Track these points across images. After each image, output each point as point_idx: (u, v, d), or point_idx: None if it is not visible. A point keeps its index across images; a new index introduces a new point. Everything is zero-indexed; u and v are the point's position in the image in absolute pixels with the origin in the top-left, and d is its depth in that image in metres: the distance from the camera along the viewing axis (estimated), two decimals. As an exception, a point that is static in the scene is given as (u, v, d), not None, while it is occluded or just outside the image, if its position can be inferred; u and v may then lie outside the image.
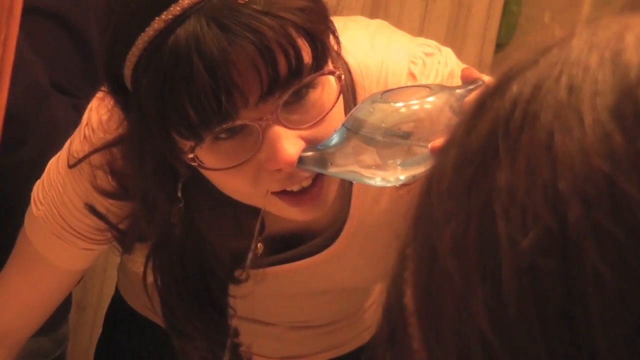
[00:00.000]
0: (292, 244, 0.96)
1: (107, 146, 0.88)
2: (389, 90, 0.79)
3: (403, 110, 0.76)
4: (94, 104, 0.90)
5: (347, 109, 0.83)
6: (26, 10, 1.06)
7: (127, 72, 0.76)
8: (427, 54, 0.91)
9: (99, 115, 0.88)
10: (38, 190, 0.93)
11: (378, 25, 0.96)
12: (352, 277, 0.97)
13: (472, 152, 0.33)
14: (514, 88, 0.32)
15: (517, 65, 0.33)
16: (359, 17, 1.00)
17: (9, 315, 0.97)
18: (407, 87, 0.85)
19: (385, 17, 1.72)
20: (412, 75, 0.89)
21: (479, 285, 0.31)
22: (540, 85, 0.31)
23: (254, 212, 0.85)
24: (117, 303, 1.14)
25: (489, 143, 0.32)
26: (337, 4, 1.71)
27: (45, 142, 1.02)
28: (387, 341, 0.36)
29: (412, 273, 0.35)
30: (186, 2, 0.73)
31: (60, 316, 1.25)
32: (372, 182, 0.77)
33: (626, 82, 0.29)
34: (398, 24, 1.52)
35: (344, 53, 0.86)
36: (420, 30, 1.72)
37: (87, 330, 1.32)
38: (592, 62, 0.30)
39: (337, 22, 0.86)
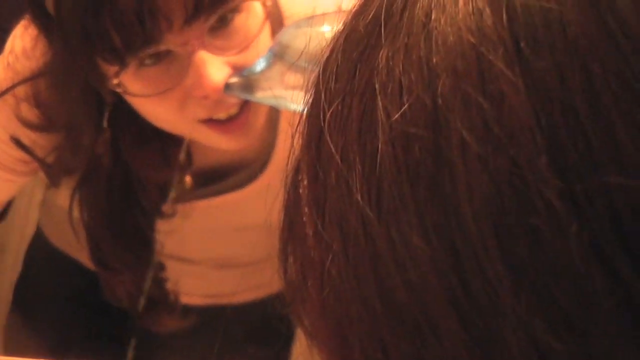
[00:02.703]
0: (220, 178, 0.96)
1: (32, 77, 0.86)
2: (314, 16, 0.79)
3: (328, 35, 0.76)
4: (17, 31, 0.88)
5: (274, 37, 0.83)
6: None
7: (49, -5, 0.75)
8: None
9: (24, 42, 0.87)
10: None
11: None
12: (276, 213, 0.98)
13: (358, 36, 0.34)
14: None
15: None
16: None
17: None
18: (332, 12, 0.85)
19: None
20: (340, 7, 0.89)
21: (358, 160, 0.32)
22: None
23: (182, 143, 0.85)
24: (39, 241, 1.13)
25: (374, 26, 0.33)
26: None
27: None
28: (286, 235, 0.37)
29: (304, 160, 0.36)
30: None
31: None
32: (295, 107, 0.77)
33: None
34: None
35: None
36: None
37: (8, 272, 1.30)
38: None
39: None
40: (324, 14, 0.83)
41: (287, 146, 0.37)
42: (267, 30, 0.81)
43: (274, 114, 0.90)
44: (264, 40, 0.80)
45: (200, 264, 1.04)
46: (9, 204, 1.23)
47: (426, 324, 0.30)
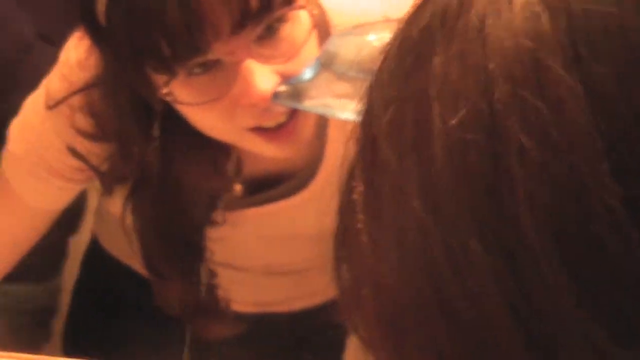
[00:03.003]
0: (270, 186, 0.96)
1: (85, 88, 0.88)
2: (361, 25, 0.79)
3: (376, 43, 0.76)
4: (71, 42, 0.90)
5: (322, 46, 0.83)
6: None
7: (100, 7, 0.77)
8: None
9: (77, 54, 0.89)
10: (15, 128, 0.94)
11: None
12: (328, 220, 0.98)
13: (413, 42, 0.34)
14: None
15: None
16: None
17: None
18: (379, 21, 0.85)
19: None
20: (386, 14, 0.89)
21: (414, 167, 0.32)
22: None
23: (231, 152, 0.86)
24: (94, 248, 1.15)
25: (428, 33, 0.33)
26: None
27: (29, 94, 1.03)
28: (340, 242, 0.37)
29: (358, 167, 0.36)
30: None
31: (53, 266, 1.26)
32: (344, 115, 0.77)
33: None
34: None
35: None
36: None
37: (67, 277, 1.33)
38: None
39: None
40: (371, 23, 0.83)
41: (336, 154, 0.37)
42: (314, 39, 0.81)
43: (322, 121, 0.90)
44: (311, 49, 0.80)
45: (250, 271, 1.05)
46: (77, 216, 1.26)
47: (484, 331, 0.30)
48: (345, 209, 0.36)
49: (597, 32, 0.29)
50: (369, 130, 0.34)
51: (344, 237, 0.36)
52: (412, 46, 0.34)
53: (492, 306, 0.30)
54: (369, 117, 0.35)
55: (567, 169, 0.29)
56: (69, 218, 1.06)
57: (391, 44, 0.36)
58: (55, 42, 1.10)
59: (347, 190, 0.36)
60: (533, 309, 0.29)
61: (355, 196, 0.35)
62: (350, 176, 0.36)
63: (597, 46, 0.29)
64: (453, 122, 0.30)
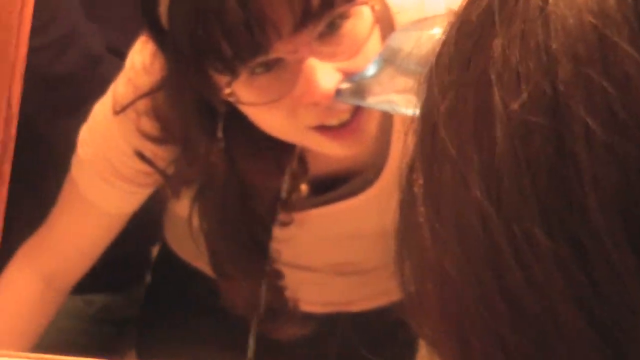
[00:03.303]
0: (336, 186, 0.96)
1: (151, 92, 0.89)
2: (423, 19, 0.78)
3: (438, 37, 0.75)
4: (137, 47, 0.91)
5: (384, 42, 0.82)
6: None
7: (163, 10, 0.77)
8: None
9: (143, 58, 0.89)
10: (84, 133, 0.95)
11: None
12: (393, 218, 0.97)
13: (472, 25, 0.33)
14: None
15: None
16: None
17: (57, 257, 1.00)
18: (441, 15, 0.84)
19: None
20: (449, 8, 0.88)
21: (474, 154, 0.31)
22: None
23: (294, 152, 0.86)
24: (164, 251, 1.16)
25: (487, 15, 0.32)
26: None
27: None
28: (402, 237, 0.36)
29: (418, 158, 0.35)
30: None
31: (137, 275, 1.27)
32: (408, 111, 0.76)
33: None
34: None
35: None
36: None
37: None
38: None
39: None
40: (433, 17, 0.82)
41: (401, 150, 0.37)
42: (376, 35, 0.80)
43: (387, 119, 0.89)
44: (374, 45, 0.80)
45: (318, 271, 1.05)
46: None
47: (551, 323, 0.29)
48: (406, 204, 0.36)
49: None
50: (427, 118, 0.34)
51: (406, 233, 0.36)
52: (472, 30, 0.33)
53: (557, 295, 0.29)
54: (427, 105, 0.34)
55: (635, 149, 0.28)
56: (151, 228, 1.07)
57: (450, 28, 0.35)
58: (124, 55, 1.12)
59: (407, 184, 0.35)
60: (600, 297, 0.28)
61: (415, 189, 0.34)
62: (411, 169, 0.35)
63: None
64: (515, 105, 0.30)
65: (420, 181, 0.34)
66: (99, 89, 1.05)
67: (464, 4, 0.34)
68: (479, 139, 0.31)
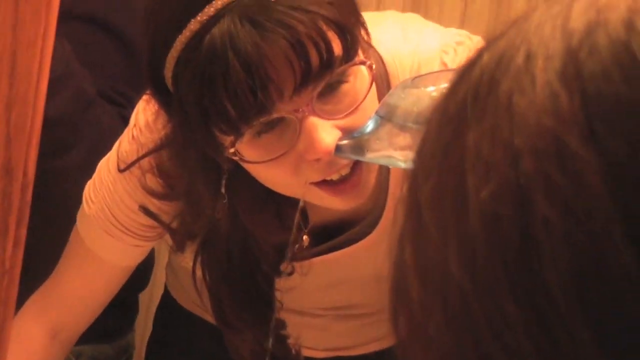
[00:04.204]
0: (335, 234, 0.98)
1: (155, 150, 0.91)
2: (420, 76, 0.81)
3: (434, 94, 0.78)
4: (140, 106, 0.93)
5: (382, 98, 0.85)
6: (75, 18, 1.10)
7: (168, 73, 0.80)
8: (458, 43, 0.93)
9: (146, 116, 0.92)
10: (89, 189, 0.97)
11: (410, 18, 0.99)
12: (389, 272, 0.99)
13: (449, 116, 0.37)
14: (485, 57, 0.36)
15: (491, 38, 0.37)
16: (391, 11, 1.02)
17: (62, 310, 1.01)
18: (437, 72, 0.87)
19: (426, 9, 1.74)
20: (444, 65, 0.91)
21: (453, 235, 0.35)
22: (504, 54, 0.35)
23: (296, 205, 0.88)
24: (167, 302, 1.18)
25: (462, 108, 0.36)
26: (377, 6, 1.73)
27: (91, 149, 1.05)
28: (395, 296, 0.40)
29: (406, 229, 0.39)
30: (219, 2, 0.76)
31: (126, 323, 1.28)
32: (406, 165, 0.79)
33: (571, 46, 0.33)
34: (439, 18, 1.54)
35: (377, 45, 0.89)
36: (461, 24, 1.73)
37: (139, 331, 1.36)
38: (546, 31, 0.34)
39: (371, 16, 0.89)
40: (430, 74, 0.85)
41: (399, 211, 0.40)
42: (374, 93, 0.83)
43: (384, 170, 0.92)
44: (372, 102, 0.82)
45: (321, 316, 1.06)
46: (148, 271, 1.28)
47: None
48: (398, 268, 0.39)
49: (609, 109, 0.32)
50: (414, 197, 0.38)
51: (398, 292, 0.40)
52: (449, 120, 0.37)
53: (525, 358, 0.33)
54: (413, 184, 0.38)
55: (586, 235, 0.31)
56: (137, 274, 1.09)
57: (431, 116, 0.39)
58: (117, 102, 1.13)
59: (399, 250, 0.39)
60: (562, 359, 0.32)
61: (405, 256, 0.38)
62: (401, 238, 0.39)
63: (610, 122, 0.32)
64: (484, 193, 0.33)
65: (409, 251, 0.38)
66: (89, 131, 1.07)
67: (444, 94, 0.38)
68: (456, 222, 0.35)
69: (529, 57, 0.34)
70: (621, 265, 0.31)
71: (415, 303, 0.37)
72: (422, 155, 0.38)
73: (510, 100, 0.34)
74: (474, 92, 0.36)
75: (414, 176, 0.38)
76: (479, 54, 0.38)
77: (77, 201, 0.99)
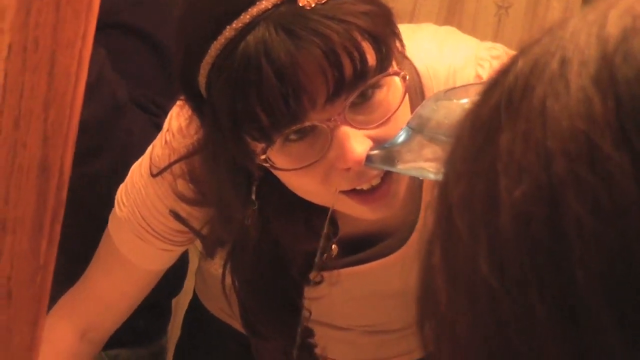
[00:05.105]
0: (366, 246, 0.98)
1: (187, 156, 0.92)
2: (453, 88, 0.81)
3: (467, 106, 0.78)
4: (174, 111, 0.94)
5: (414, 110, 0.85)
6: (112, 26, 1.11)
7: (202, 79, 0.81)
8: (493, 57, 0.93)
9: (179, 121, 0.93)
10: (122, 192, 0.99)
11: (446, 31, 0.99)
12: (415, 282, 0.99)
13: (482, 121, 0.38)
14: (519, 63, 0.37)
15: (526, 45, 0.38)
16: (428, 24, 1.02)
17: (92, 311, 1.03)
18: (470, 84, 0.87)
19: (460, 23, 1.75)
20: (479, 78, 0.91)
21: (483, 235, 0.35)
22: (539, 60, 0.36)
23: (326, 214, 0.88)
24: (195, 307, 1.18)
25: (495, 113, 0.37)
26: (413, 10, 1.74)
27: (121, 155, 1.06)
28: (422, 301, 0.41)
29: (435, 234, 0.39)
30: (255, 10, 0.77)
31: (159, 327, 1.29)
32: (437, 177, 0.79)
33: (606, 52, 0.34)
34: (472, 31, 1.54)
35: (412, 57, 0.89)
36: (494, 37, 1.74)
37: (169, 335, 1.37)
38: (581, 38, 0.35)
39: (407, 28, 0.89)
40: (463, 86, 0.85)
41: (428, 216, 0.41)
42: (406, 104, 0.83)
43: (417, 182, 0.92)
44: (404, 113, 0.82)
45: (349, 330, 1.06)
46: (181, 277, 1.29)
47: None
48: (426, 272, 0.40)
49: None
50: (444, 201, 0.38)
51: (425, 297, 0.40)
52: (482, 125, 0.38)
53: (553, 356, 0.33)
54: (444, 189, 0.39)
55: (618, 236, 0.32)
56: (172, 278, 1.09)
57: (464, 122, 0.40)
58: (150, 111, 1.14)
59: (427, 254, 0.40)
60: (590, 358, 0.32)
61: (434, 260, 0.39)
62: (430, 242, 0.40)
63: None
64: (517, 193, 0.34)
65: (438, 253, 0.38)
66: (120, 138, 1.08)
67: (477, 101, 0.39)
68: (486, 222, 0.35)
69: (563, 63, 0.35)
70: None
71: (443, 305, 0.38)
72: (454, 159, 0.39)
73: (544, 105, 0.35)
74: (507, 97, 0.36)
75: (445, 180, 0.39)
76: (513, 61, 0.38)
77: (108, 206, 1.00)
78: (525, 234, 0.34)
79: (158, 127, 1.00)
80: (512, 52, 1.02)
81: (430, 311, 0.40)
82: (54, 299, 1.01)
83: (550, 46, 0.36)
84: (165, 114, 0.99)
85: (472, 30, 1.75)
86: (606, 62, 0.34)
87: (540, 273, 0.34)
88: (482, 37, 1.00)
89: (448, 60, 0.92)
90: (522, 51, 0.38)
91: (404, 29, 0.86)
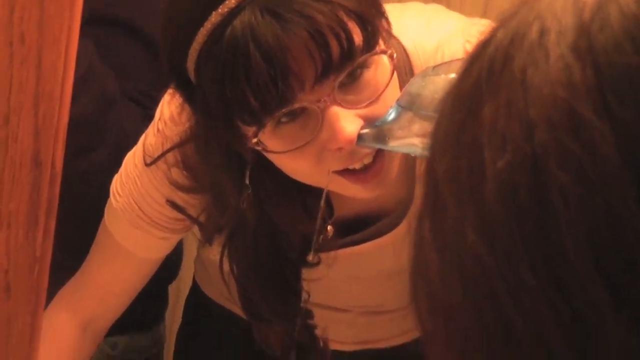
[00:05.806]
0: (362, 227, 0.98)
1: (180, 144, 0.92)
2: (440, 64, 0.81)
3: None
4: (165, 99, 0.95)
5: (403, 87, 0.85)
6: (102, 20, 1.11)
7: (190, 65, 0.81)
8: (481, 33, 0.93)
9: (171, 109, 0.93)
10: (116, 183, 0.99)
11: (433, 9, 0.99)
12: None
13: (464, 94, 0.38)
14: (499, 35, 0.38)
15: (503, 17, 0.39)
16: (414, 2, 1.02)
17: (93, 302, 1.03)
18: (457, 59, 0.87)
19: (448, 1, 1.74)
20: (467, 54, 0.91)
21: (470, 208, 0.36)
22: (518, 31, 0.37)
23: (320, 196, 0.89)
24: (196, 294, 1.19)
25: (477, 85, 0.37)
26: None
27: (114, 149, 1.06)
28: (414, 276, 0.41)
29: (425, 207, 0.40)
30: None
31: (156, 314, 1.30)
32: (426, 153, 0.79)
33: (582, 20, 0.35)
34: (460, 9, 1.54)
35: (400, 35, 0.89)
36: (483, 14, 1.73)
37: (167, 323, 1.38)
38: (558, 7, 0.36)
39: (394, 7, 0.89)
40: (451, 61, 0.85)
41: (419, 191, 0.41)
42: (395, 82, 0.84)
43: (411, 161, 0.92)
44: (393, 91, 0.83)
45: (347, 311, 1.07)
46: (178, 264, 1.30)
47: (539, 346, 0.34)
48: (417, 245, 0.41)
49: (621, 80, 0.33)
50: (431, 175, 0.39)
51: (417, 272, 0.41)
52: (465, 97, 0.38)
53: (545, 323, 0.34)
54: (431, 163, 0.39)
55: (601, 202, 0.33)
56: (168, 265, 1.10)
57: (447, 95, 0.40)
58: (142, 104, 1.14)
59: (417, 228, 0.41)
60: (581, 325, 0.33)
61: (425, 234, 0.40)
62: (420, 215, 0.40)
63: (622, 92, 0.33)
64: (501, 163, 0.35)
65: (428, 226, 0.39)
66: (113, 132, 1.07)
67: (457, 78, 0.40)
68: (473, 193, 0.36)
69: (542, 33, 0.35)
70: (635, 230, 0.32)
71: (435, 276, 0.38)
72: (438, 133, 0.39)
73: (524, 75, 0.35)
74: (488, 69, 0.37)
75: (431, 154, 0.40)
76: (492, 34, 0.39)
77: (104, 199, 1.00)
78: (511, 204, 0.34)
79: (150, 119, 1.00)
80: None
81: (422, 285, 0.40)
82: (52, 292, 1.01)
83: (529, 16, 0.37)
84: (156, 105, 0.98)
85: (460, 7, 1.75)
86: (583, 30, 0.34)
87: (528, 242, 0.34)
88: (471, 15, 1.00)
89: (436, 38, 0.92)
90: (501, 23, 0.38)
91: (390, 8, 0.86)
